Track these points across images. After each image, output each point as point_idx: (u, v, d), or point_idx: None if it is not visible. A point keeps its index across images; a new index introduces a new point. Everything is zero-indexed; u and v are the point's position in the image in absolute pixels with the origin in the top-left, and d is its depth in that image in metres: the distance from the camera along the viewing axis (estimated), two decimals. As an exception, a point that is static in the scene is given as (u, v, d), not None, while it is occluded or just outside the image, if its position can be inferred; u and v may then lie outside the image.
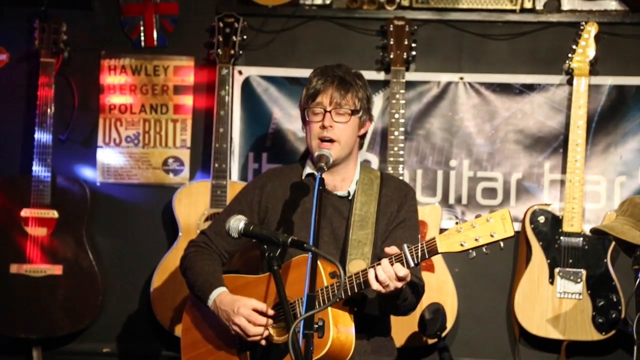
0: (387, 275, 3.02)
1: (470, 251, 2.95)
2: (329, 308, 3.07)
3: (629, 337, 4.12)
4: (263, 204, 3.50)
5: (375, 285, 3.04)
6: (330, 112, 3.34)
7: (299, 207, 3.44)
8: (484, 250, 2.95)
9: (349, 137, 3.38)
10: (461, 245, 2.94)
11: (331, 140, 3.35)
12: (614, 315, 4.40)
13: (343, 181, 3.48)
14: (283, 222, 3.44)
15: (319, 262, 3.05)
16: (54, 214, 4.56)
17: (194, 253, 3.49)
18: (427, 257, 3.01)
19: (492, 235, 2.91)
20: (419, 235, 3.47)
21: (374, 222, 3.40)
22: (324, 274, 3.15)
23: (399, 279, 3.03)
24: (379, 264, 3.04)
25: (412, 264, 3.01)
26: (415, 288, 3.30)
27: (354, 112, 3.37)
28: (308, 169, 3.50)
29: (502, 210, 2.92)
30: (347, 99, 3.36)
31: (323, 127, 3.33)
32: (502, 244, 2.93)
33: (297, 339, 2.77)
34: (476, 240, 2.92)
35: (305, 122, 3.44)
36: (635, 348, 3.30)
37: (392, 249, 3.06)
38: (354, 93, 3.37)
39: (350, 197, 3.45)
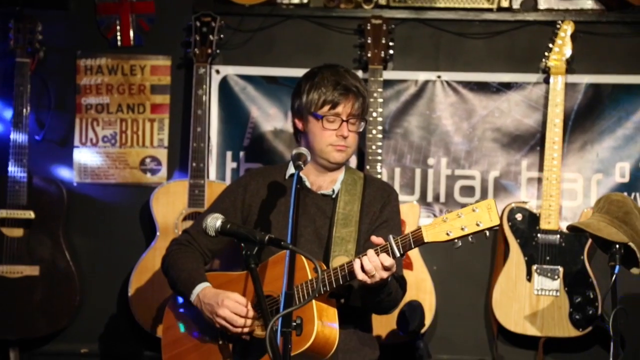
0: (373, 265, 3.02)
1: (456, 240, 2.95)
2: (314, 301, 3.07)
3: (605, 333, 4.16)
4: (247, 202, 3.51)
5: (360, 275, 3.04)
6: (347, 121, 3.41)
7: (282, 206, 3.46)
8: (470, 239, 2.96)
9: (357, 143, 3.52)
10: (447, 234, 2.94)
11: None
12: (590, 312, 4.42)
13: (331, 182, 3.52)
14: (266, 220, 3.44)
15: (303, 257, 3.06)
16: (31, 214, 4.53)
17: (177, 251, 3.49)
18: (412, 247, 3.01)
19: (478, 225, 2.91)
20: (401, 235, 3.48)
21: (357, 221, 3.41)
22: (308, 268, 3.15)
23: (385, 268, 3.03)
24: (365, 254, 3.05)
25: (397, 254, 3.02)
26: (400, 284, 3.32)
27: (363, 120, 3.48)
28: (291, 169, 3.50)
29: (488, 199, 2.93)
30: (361, 109, 3.46)
31: (342, 137, 3.40)
32: (487, 232, 2.95)
33: (275, 336, 2.77)
34: (462, 229, 2.92)
35: (307, 123, 3.45)
36: (612, 344, 3.32)
37: (378, 240, 3.07)
38: (364, 101, 3.47)
39: (334, 196, 3.47)
